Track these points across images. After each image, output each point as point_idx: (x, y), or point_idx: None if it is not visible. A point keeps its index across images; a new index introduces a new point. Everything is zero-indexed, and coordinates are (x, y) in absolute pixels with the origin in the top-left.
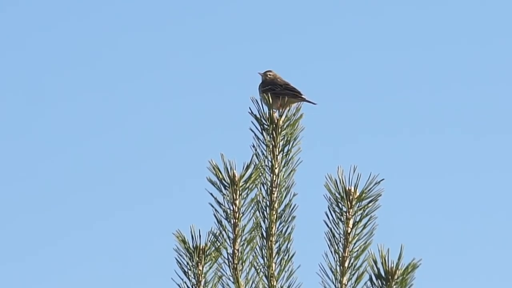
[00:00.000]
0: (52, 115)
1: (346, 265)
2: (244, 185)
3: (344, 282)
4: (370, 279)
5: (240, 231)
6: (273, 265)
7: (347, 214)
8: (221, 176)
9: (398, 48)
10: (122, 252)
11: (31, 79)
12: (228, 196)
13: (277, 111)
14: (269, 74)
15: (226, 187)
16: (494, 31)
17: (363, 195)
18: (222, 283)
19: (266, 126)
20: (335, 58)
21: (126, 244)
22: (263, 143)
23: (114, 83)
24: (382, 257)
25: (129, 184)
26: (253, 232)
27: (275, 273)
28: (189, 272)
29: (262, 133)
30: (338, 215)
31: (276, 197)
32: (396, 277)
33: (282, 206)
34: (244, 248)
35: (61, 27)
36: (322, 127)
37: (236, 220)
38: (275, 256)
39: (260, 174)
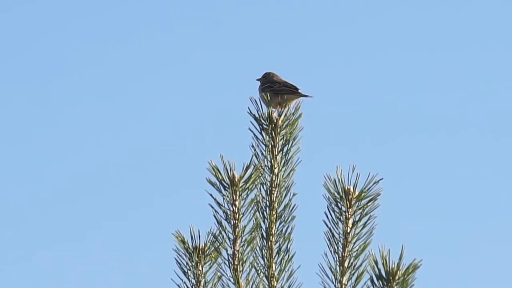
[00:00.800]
0: (57, 118)
1: (345, 265)
2: (244, 185)
3: (344, 282)
4: (371, 280)
5: (240, 232)
6: (273, 265)
7: (347, 213)
8: (220, 177)
9: (406, 48)
10: (122, 252)
11: (37, 82)
12: (228, 197)
13: (276, 110)
14: (267, 75)
15: (226, 188)
16: (506, 32)
17: (362, 194)
18: (223, 284)
19: (265, 126)
20: (338, 58)
21: (126, 244)
22: (262, 143)
23: (114, 83)
24: (383, 258)
25: (129, 184)
26: (253, 233)
27: (275, 274)
28: (189, 272)
29: (261, 133)
30: (338, 214)
31: (275, 197)
32: (397, 277)
33: (282, 206)
34: (245, 249)
35: (66, 30)
36: (322, 127)
37: (236, 221)
38: (275, 256)
39: (260, 174)
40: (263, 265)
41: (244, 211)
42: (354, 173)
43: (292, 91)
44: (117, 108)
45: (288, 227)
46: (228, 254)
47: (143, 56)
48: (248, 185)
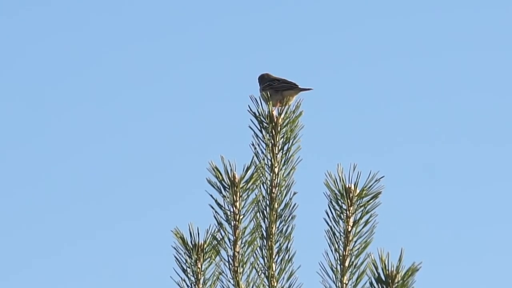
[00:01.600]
0: (54, 122)
1: (346, 264)
2: (245, 186)
3: (344, 282)
4: (370, 283)
5: (240, 233)
6: (273, 265)
7: (347, 212)
8: (221, 178)
9: (406, 50)
10: (122, 252)
11: (34, 87)
12: (228, 197)
13: (276, 109)
14: (264, 76)
15: (226, 189)
16: (506, 36)
17: (364, 192)
18: (222, 285)
19: (265, 125)
20: (338, 58)
21: (126, 244)
22: (263, 141)
23: (114, 85)
24: (382, 261)
25: (128, 185)
26: (254, 233)
27: (276, 274)
28: (188, 269)
29: (261, 132)
30: (338, 212)
31: (276, 196)
32: (396, 280)
33: (282, 205)
34: (245, 250)
35: (62, 34)
36: (322, 127)
37: (237, 222)
38: (275, 256)
39: (260, 174)
40: (263, 265)
41: (245, 212)
42: (355, 171)
43: (291, 87)
44: (117, 108)
45: (288, 226)
46: (228, 256)
47: (143, 57)
48: (249, 185)
